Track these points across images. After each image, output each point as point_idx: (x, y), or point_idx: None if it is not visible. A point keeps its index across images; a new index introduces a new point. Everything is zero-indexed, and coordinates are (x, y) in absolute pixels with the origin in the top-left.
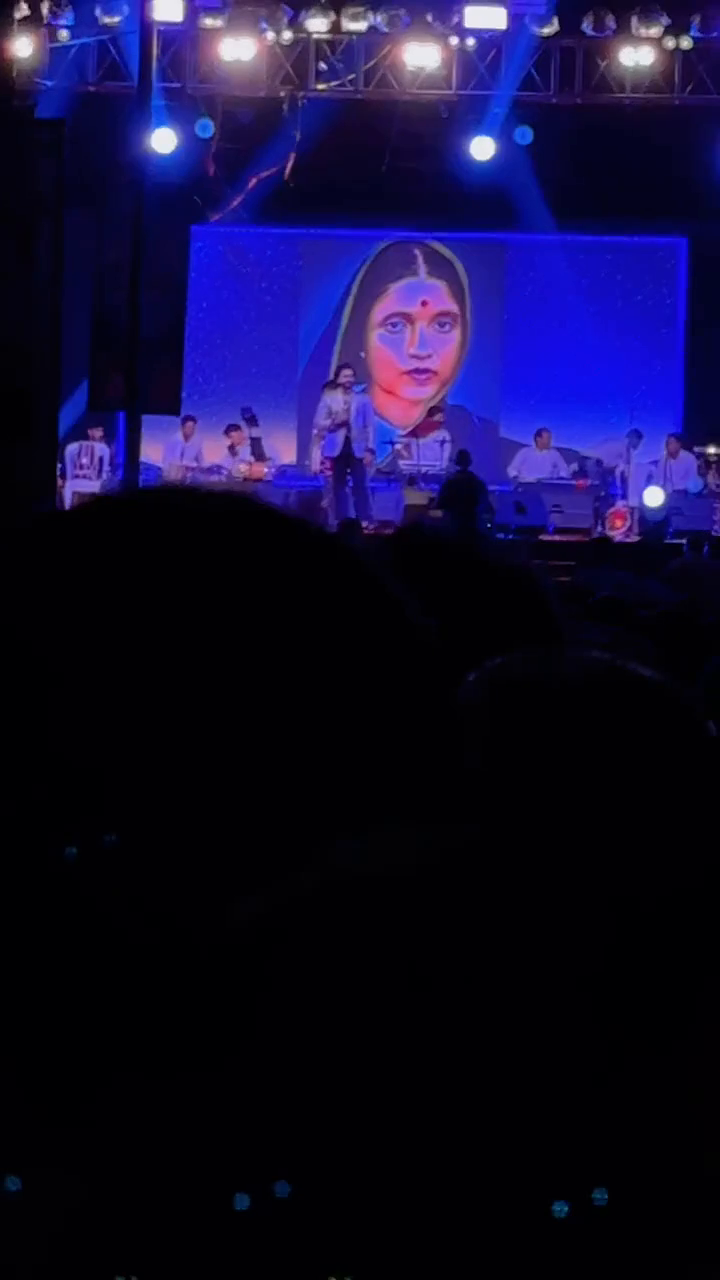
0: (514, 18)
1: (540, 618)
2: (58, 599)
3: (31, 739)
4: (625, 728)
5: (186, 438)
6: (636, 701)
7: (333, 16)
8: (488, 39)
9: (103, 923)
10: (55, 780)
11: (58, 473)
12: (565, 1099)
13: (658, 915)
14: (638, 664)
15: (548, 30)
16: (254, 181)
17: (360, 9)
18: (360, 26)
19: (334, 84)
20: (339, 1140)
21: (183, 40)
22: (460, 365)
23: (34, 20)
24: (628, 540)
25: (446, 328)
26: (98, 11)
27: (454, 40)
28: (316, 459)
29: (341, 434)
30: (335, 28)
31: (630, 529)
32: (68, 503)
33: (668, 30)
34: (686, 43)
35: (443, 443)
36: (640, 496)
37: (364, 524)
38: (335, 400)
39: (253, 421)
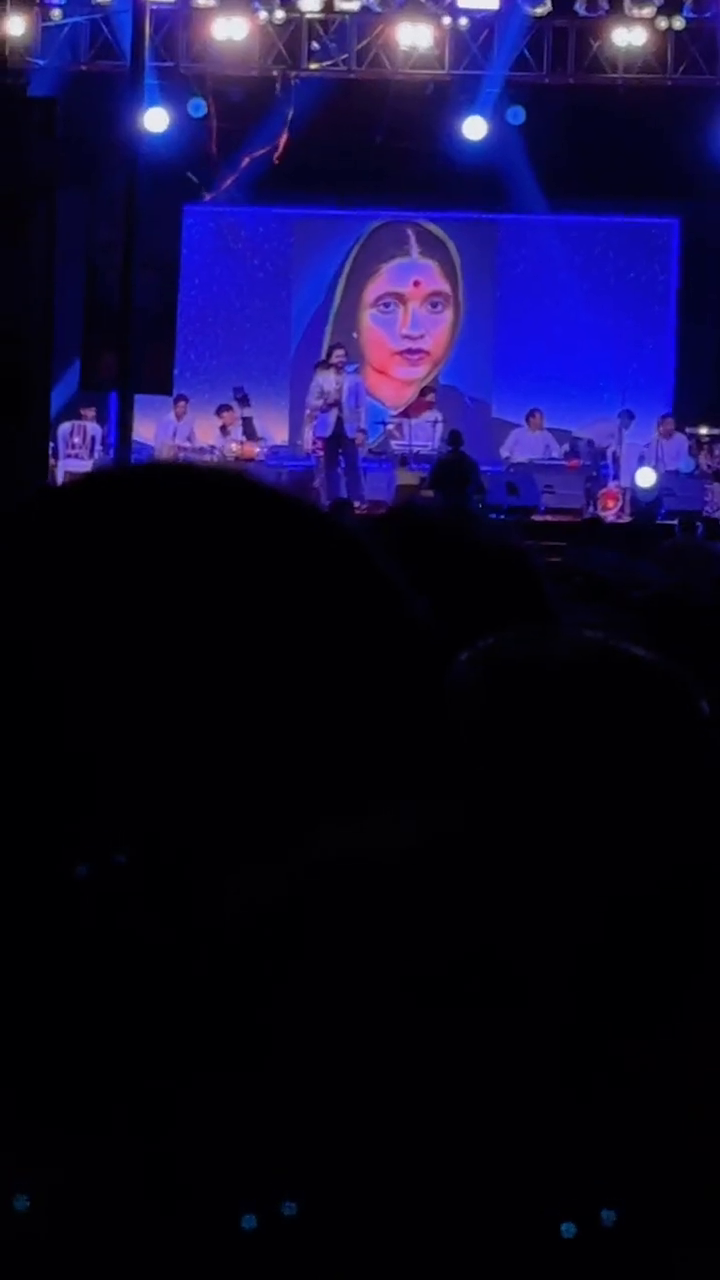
0: None
1: (532, 598)
2: (52, 575)
3: (26, 713)
4: (619, 707)
5: (179, 417)
6: (630, 681)
7: None
8: (480, 19)
9: (102, 915)
10: (50, 756)
11: (50, 452)
12: (558, 1080)
13: (652, 895)
14: (630, 644)
15: (540, 10)
16: (247, 161)
17: None
18: (353, 6)
19: (326, 63)
20: (341, 1135)
21: (175, 19)
22: (452, 345)
23: None
24: (620, 521)
25: (439, 308)
26: None
27: (447, 20)
28: (308, 439)
29: (333, 414)
30: (328, 7)
31: (622, 510)
32: (60, 482)
33: (660, 11)
34: (679, 23)
35: (435, 423)
36: (632, 477)
37: (355, 504)
38: (327, 380)
39: (245, 401)
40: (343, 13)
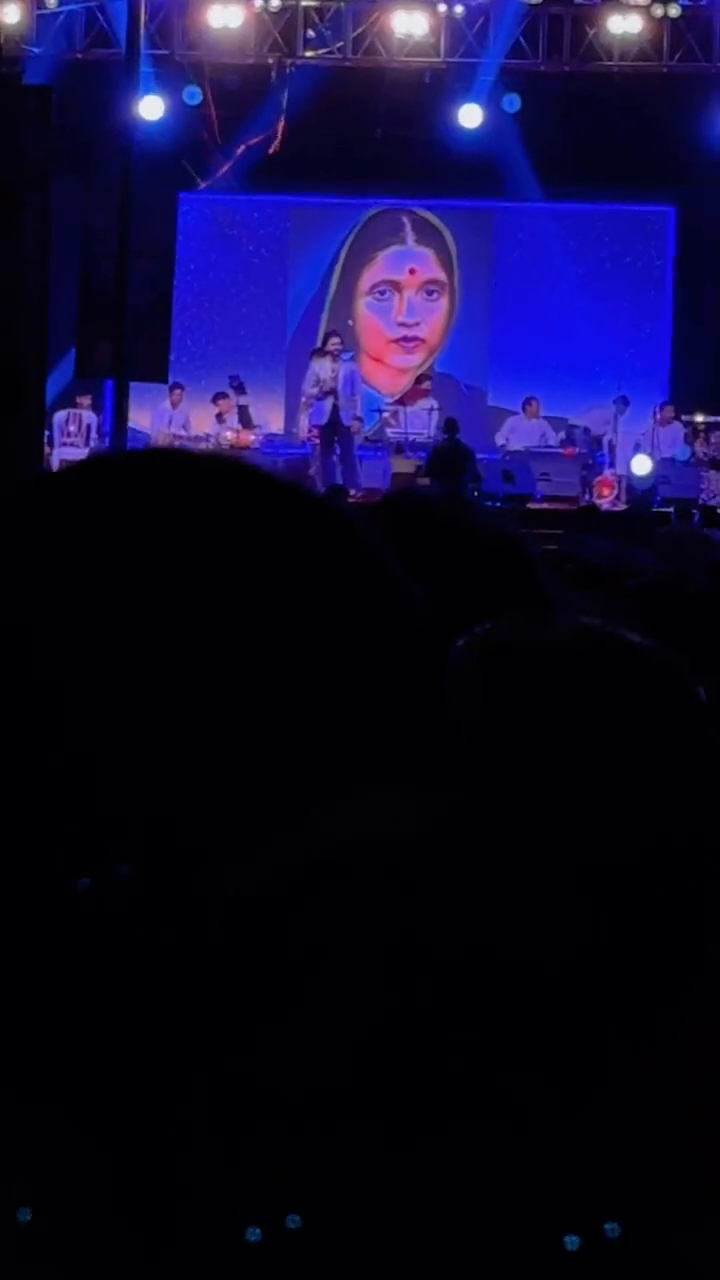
0: None
1: (527, 585)
2: (49, 559)
3: (22, 693)
4: (615, 693)
5: (174, 405)
6: (626, 667)
7: None
8: (476, 6)
9: (105, 924)
10: (48, 740)
11: (45, 441)
12: (559, 1087)
13: (649, 881)
14: (626, 630)
15: None
16: (242, 149)
17: None
18: None
19: (322, 51)
20: (342, 1140)
21: (170, 7)
22: (448, 333)
23: None
24: (615, 509)
25: (434, 296)
26: None
27: (442, 7)
28: (304, 427)
29: (329, 402)
30: None
31: (618, 497)
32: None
33: None
34: (675, 10)
35: (430, 411)
36: (628, 465)
37: (351, 492)
38: (323, 368)
39: (240, 389)
40: (338, 0)
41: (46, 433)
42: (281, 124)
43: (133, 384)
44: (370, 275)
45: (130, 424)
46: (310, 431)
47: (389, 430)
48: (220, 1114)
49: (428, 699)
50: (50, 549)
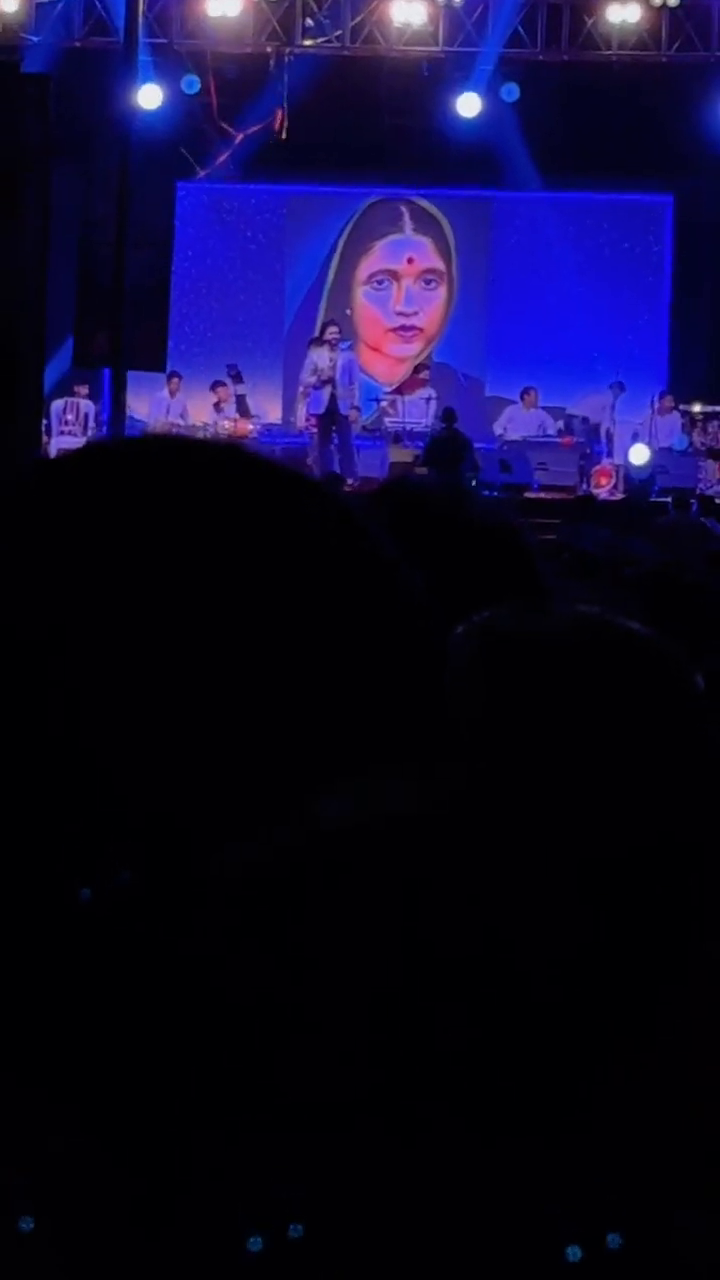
0: None
1: (524, 573)
2: (48, 546)
3: (21, 681)
4: (614, 681)
5: (172, 394)
6: (625, 655)
7: None
8: None
9: (107, 928)
10: (46, 724)
11: (43, 429)
12: (558, 1064)
13: (647, 871)
14: (625, 618)
15: None
16: (240, 137)
17: None
18: None
19: (320, 40)
20: (344, 1145)
21: None
22: (446, 322)
23: None
24: (613, 498)
25: (432, 285)
26: None
27: None
28: (301, 416)
29: (327, 391)
30: None
31: (615, 487)
32: None
33: None
34: (673, 0)
35: (428, 400)
36: (626, 454)
37: (349, 481)
38: (321, 357)
39: (238, 378)
40: None
41: (44, 421)
42: (283, 111)
43: (130, 373)
44: (368, 264)
45: (128, 412)
46: (308, 421)
47: (387, 420)
48: (221, 1116)
49: (426, 687)
50: (48, 536)
